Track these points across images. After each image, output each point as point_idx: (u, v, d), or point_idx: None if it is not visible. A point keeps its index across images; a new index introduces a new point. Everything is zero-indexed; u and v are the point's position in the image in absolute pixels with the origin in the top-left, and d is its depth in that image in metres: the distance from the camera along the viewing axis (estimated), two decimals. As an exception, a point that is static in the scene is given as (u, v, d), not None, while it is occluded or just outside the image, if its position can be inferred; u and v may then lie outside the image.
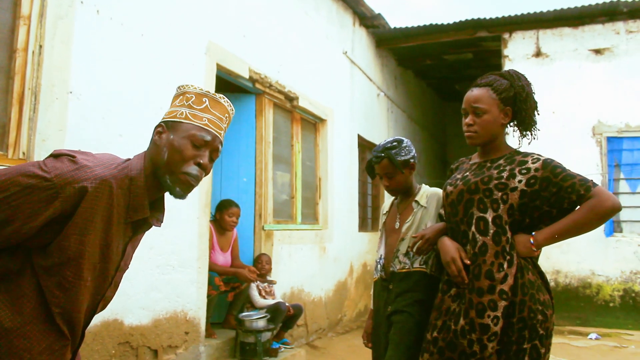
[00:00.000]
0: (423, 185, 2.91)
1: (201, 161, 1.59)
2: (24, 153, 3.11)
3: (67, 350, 1.55)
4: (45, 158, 1.50)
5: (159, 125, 1.63)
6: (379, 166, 2.80)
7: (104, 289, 1.63)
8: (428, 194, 2.81)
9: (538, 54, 8.45)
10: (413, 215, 2.77)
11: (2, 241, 1.43)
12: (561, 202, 2.16)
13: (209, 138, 1.61)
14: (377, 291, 2.88)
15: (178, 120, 1.61)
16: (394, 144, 2.80)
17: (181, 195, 1.61)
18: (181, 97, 1.66)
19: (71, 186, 1.43)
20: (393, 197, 3.02)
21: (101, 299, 1.65)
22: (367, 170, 2.93)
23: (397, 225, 2.84)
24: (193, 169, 1.59)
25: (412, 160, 2.81)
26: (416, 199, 2.81)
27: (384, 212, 3.02)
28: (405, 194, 2.88)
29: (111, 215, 1.51)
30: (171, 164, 1.57)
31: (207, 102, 1.64)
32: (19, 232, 1.42)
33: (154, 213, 1.68)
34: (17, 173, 1.42)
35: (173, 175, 1.58)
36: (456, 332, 2.20)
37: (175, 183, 1.59)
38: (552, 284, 7.59)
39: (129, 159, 1.60)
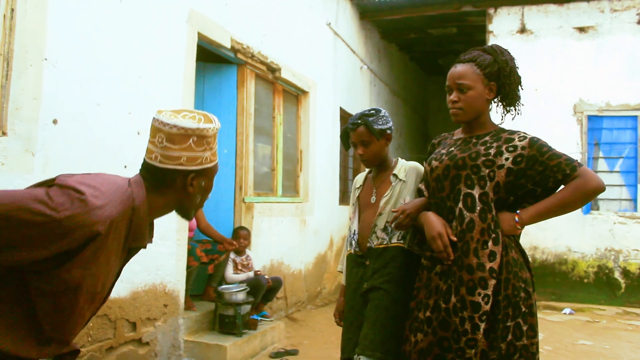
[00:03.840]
0: (399, 159, 2.84)
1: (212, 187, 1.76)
2: (-4, 121, 3.01)
3: (39, 356, 1.53)
4: (50, 186, 1.43)
5: (189, 175, 1.61)
6: (355, 133, 2.72)
7: (97, 308, 1.66)
8: (407, 168, 2.74)
9: (523, 30, 8.42)
10: (391, 189, 2.70)
11: None
12: (546, 180, 2.17)
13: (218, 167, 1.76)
14: (350, 266, 2.81)
15: (207, 166, 1.65)
16: (372, 112, 2.74)
17: (192, 217, 1.77)
18: (200, 140, 1.60)
19: (82, 229, 1.38)
20: (367, 171, 2.94)
21: (94, 314, 1.68)
22: (342, 138, 2.83)
23: (374, 199, 2.76)
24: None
25: (388, 131, 2.73)
26: (394, 172, 2.74)
27: (357, 186, 2.92)
28: (380, 167, 2.80)
29: (114, 247, 1.51)
30: (202, 203, 1.73)
31: (216, 136, 1.68)
32: (15, 260, 1.37)
33: (149, 234, 1.70)
34: (20, 206, 1.34)
35: (198, 208, 1.75)
36: (448, 310, 2.18)
37: (196, 210, 1.75)
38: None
39: (129, 186, 1.56)
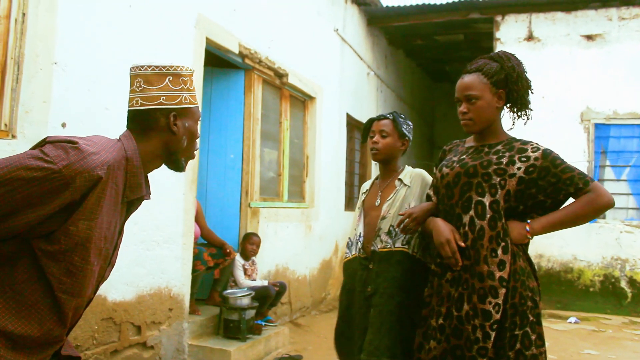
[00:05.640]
0: (406, 165, 2.91)
1: (199, 135, 1.78)
2: (5, 125, 3.03)
3: (62, 337, 1.55)
4: (41, 146, 1.45)
5: (170, 113, 1.64)
6: (379, 123, 2.84)
7: (104, 270, 1.65)
8: (412, 174, 2.80)
9: (530, 37, 8.41)
10: (395, 193, 2.75)
11: (7, 231, 1.40)
12: (557, 193, 2.19)
13: (200, 113, 1.78)
14: (352, 270, 2.82)
15: (187, 106, 1.68)
16: (402, 116, 2.89)
17: (185, 169, 1.77)
18: (176, 79, 1.66)
19: (81, 176, 1.42)
20: (374, 177, 2.99)
21: (101, 280, 1.67)
22: (364, 128, 2.94)
23: (378, 202, 2.80)
24: (198, 144, 1.80)
25: (407, 138, 2.85)
26: (400, 177, 2.80)
27: (364, 191, 2.99)
28: (386, 170, 2.87)
29: (113, 197, 1.53)
30: (190, 148, 1.74)
31: (193, 81, 1.73)
32: (24, 223, 1.40)
33: (145, 188, 1.72)
34: (17, 166, 1.38)
35: (188, 155, 1.75)
36: (460, 317, 2.19)
37: (187, 161, 1.76)
38: (534, 267, 7.69)
39: (118, 140, 1.61)
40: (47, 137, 1.48)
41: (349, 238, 2.92)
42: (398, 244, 2.65)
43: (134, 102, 1.64)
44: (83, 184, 1.42)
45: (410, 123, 2.91)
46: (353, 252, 2.84)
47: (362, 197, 2.96)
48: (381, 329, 2.53)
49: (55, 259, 1.45)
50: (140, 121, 1.64)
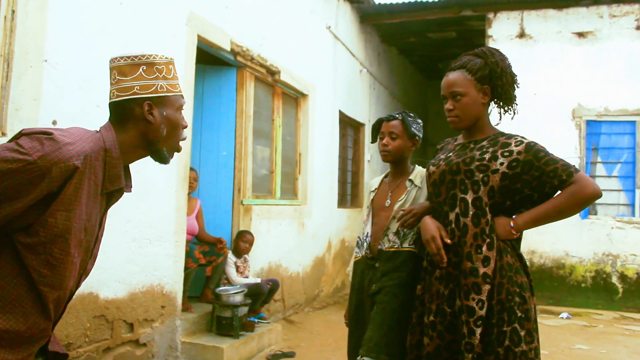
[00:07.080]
0: (416, 165, 2.89)
1: (185, 124, 1.73)
2: (-4, 122, 3.02)
3: (48, 331, 1.54)
4: (17, 139, 1.44)
5: (145, 102, 1.62)
6: (388, 124, 2.81)
7: (86, 263, 1.64)
8: (422, 174, 2.78)
9: (522, 35, 8.44)
10: (406, 194, 2.74)
11: None
12: (543, 186, 2.16)
13: (184, 101, 1.74)
14: (360, 270, 2.82)
15: (164, 95, 1.65)
16: (412, 115, 2.86)
17: (169, 160, 1.72)
18: (150, 68, 1.64)
19: (57, 166, 1.41)
20: (383, 175, 2.98)
21: (84, 273, 1.65)
22: (373, 128, 2.91)
23: (388, 202, 2.79)
24: (183, 134, 1.74)
25: (417, 138, 2.83)
26: (410, 178, 2.79)
27: (372, 189, 2.97)
28: (397, 170, 2.86)
29: (91, 188, 1.51)
30: (172, 137, 1.69)
31: (172, 69, 1.70)
32: (2, 216, 1.39)
33: (126, 180, 1.71)
34: None
35: (171, 146, 1.71)
36: (454, 313, 2.21)
37: (171, 152, 1.72)
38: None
39: (97, 131, 1.60)
40: (22, 130, 1.47)
41: (359, 237, 2.91)
42: (405, 244, 2.65)
43: (111, 94, 1.64)
44: (59, 174, 1.41)
45: (420, 121, 2.88)
46: (361, 252, 2.85)
47: (370, 196, 2.94)
48: (382, 327, 2.53)
49: (35, 251, 1.44)
50: (117, 113, 1.63)
